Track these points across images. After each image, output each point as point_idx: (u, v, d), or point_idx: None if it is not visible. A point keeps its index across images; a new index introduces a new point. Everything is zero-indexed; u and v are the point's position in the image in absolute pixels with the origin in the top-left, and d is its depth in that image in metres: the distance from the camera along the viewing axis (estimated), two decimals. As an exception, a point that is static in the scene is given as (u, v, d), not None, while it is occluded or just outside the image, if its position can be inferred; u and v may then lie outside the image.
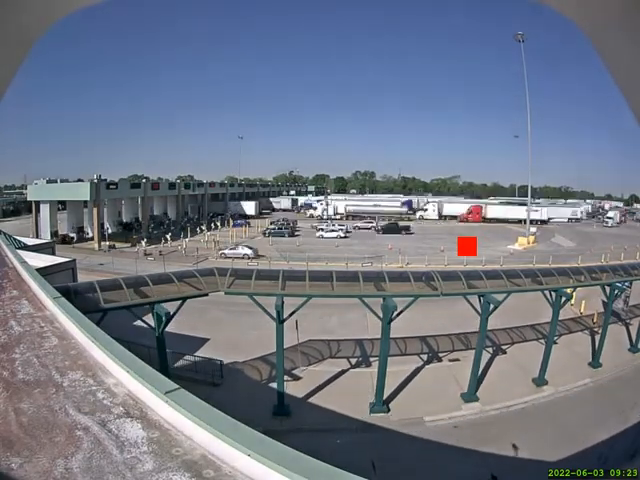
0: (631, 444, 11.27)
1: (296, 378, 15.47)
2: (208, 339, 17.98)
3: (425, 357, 17.29)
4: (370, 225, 53.72)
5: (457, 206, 66.92)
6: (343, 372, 15.99)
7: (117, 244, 40.39)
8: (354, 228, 52.42)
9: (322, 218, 60.03)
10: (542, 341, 17.39)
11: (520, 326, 19.71)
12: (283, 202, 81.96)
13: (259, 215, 66.37)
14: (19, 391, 2.61)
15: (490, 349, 17.63)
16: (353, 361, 16.87)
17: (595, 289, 18.72)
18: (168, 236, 41.68)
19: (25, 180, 79.42)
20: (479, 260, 31.46)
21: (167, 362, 13.39)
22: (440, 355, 17.53)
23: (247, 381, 15.33)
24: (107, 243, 39.55)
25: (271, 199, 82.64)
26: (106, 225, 46.41)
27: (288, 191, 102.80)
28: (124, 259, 32.57)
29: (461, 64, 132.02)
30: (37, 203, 43.41)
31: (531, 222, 66.17)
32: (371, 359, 16.56)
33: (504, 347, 18.32)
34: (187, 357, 15.82)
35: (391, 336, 13.98)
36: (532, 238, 46.16)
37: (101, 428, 2.18)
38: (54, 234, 41.80)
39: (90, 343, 3.17)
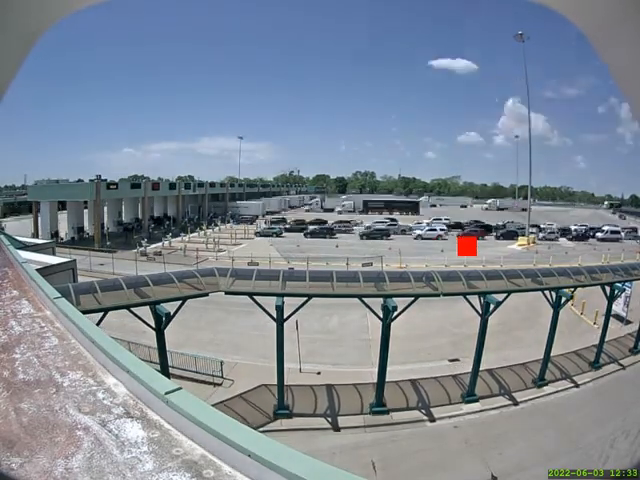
0: (631, 444, 11.26)
1: (296, 378, 15.47)
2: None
3: (425, 357, 17.28)
4: None
5: None
6: (344, 372, 15.99)
7: (117, 244, 40.34)
8: None
9: None
10: (542, 341, 17.36)
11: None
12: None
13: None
14: (20, 391, 2.61)
15: (490, 349, 17.60)
16: (354, 362, 16.86)
17: (595, 289, 18.69)
18: (169, 236, 41.69)
19: (25, 180, 79.79)
20: (479, 260, 31.46)
21: (167, 362, 13.39)
22: (440, 358, 17.45)
23: (247, 381, 15.33)
24: (108, 243, 39.52)
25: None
26: (106, 225, 46.34)
27: (288, 191, 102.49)
28: (124, 259, 32.56)
29: (462, 63, 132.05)
30: (37, 203, 43.38)
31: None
32: (371, 359, 16.55)
33: (504, 348, 18.29)
34: (187, 357, 15.82)
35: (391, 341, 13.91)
36: (532, 238, 46.15)
37: (101, 428, 2.18)
38: (54, 234, 41.78)
39: (90, 343, 3.16)
